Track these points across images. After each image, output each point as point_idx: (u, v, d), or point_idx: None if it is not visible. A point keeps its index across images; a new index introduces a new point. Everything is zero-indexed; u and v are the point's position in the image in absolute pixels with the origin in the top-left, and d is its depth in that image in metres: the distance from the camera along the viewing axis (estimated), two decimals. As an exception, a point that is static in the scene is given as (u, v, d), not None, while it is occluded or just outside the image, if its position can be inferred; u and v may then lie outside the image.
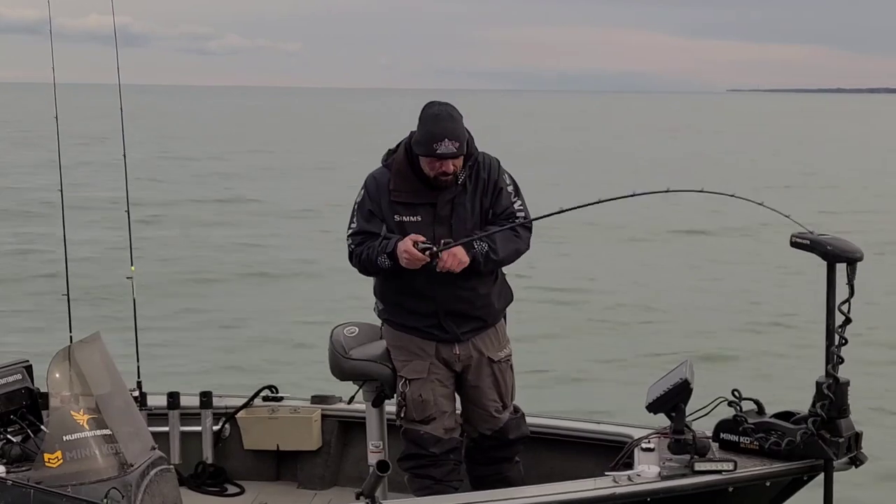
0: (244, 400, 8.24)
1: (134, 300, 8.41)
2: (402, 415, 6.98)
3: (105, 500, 5.94)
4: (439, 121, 6.71)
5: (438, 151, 6.66)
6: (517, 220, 6.93)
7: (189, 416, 8.15)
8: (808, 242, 6.44)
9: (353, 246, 6.93)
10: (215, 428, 8.17)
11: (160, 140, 63.37)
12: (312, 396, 8.28)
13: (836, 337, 6.38)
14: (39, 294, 18.79)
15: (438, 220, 6.84)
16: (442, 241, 6.69)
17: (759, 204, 6.64)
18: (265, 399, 8.27)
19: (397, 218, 6.85)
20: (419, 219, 6.84)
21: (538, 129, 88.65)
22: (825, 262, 6.42)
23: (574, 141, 68.83)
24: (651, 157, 53.08)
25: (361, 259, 6.87)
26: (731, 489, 6.33)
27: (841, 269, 6.37)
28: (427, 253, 6.64)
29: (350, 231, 6.97)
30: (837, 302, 6.39)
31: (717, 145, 68.59)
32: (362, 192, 6.95)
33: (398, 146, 6.95)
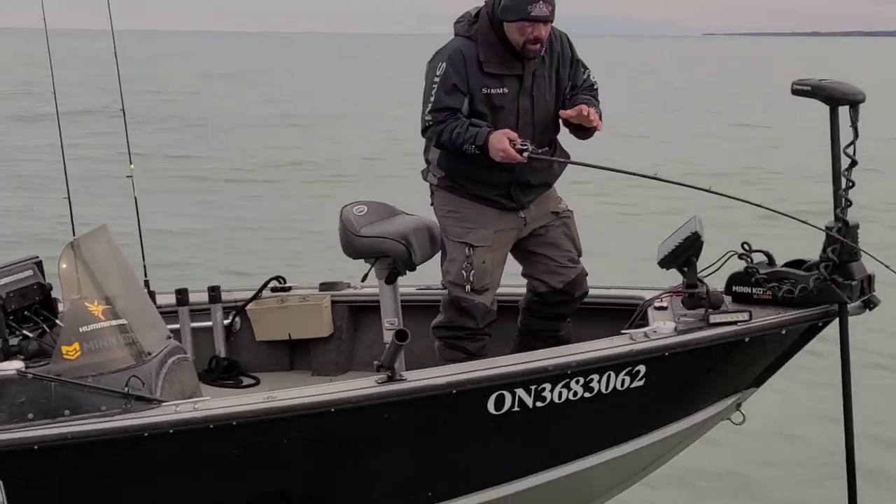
0: (253, 292, 8.25)
1: (136, 198, 8.39)
2: (469, 280, 6.91)
3: (126, 389, 6.03)
4: None
5: (533, 13, 6.60)
6: (595, 90, 7.05)
7: (199, 312, 8.16)
8: (809, 88, 6.41)
9: (430, 123, 6.80)
10: (226, 322, 8.19)
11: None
12: (321, 284, 8.29)
13: (843, 180, 6.36)
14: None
15: (523, 91, 6.81)
16: (531, 146, 6.60)
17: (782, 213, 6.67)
18: (273, 290, 8.27)
19: (485, 91, 6.78)
20: (506, 91, 6.79)
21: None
22: (827, 107, 6.38)
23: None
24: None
25: (442, 139, 6.77)
26: (747, 339, 6.34)
27: (843, 112, 6.35)
28: (524, 154, 6.57)
29: (430, 107, 6.81)
30: (842, 145, 6.38)
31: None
32: (443, 65, 6.79)
33: (476, 15, 6.85)
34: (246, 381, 8.05)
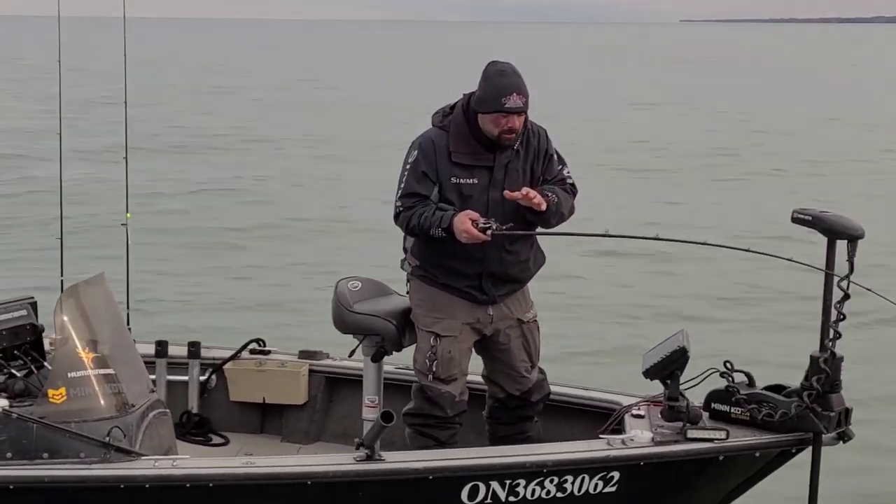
0: (232, 352, 8.29)
1: (127, 247, 8.45)
2: (432, 370, 6.99)
3: (107, 438, 6.08)
4: (506, 76, 6.76)
5: (507, 105, 6.69)
6: (568, 186, 7.08)
7: (176, 366, 8.20)
8: (810, 218, 6.53)
9: (401, 208, 6.91)
10: (202, 378, 8.22)
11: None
12: (300, 351, 8.33)
13: (835, 312, 6.44)
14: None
15: (494, 183, 6.87)
16: (494, 224, 6.68)
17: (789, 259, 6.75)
18: (252, 352, 8.32)
19: (454, 180, 6.86)
20: (476, 181, 6.86)
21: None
22: (825, 239, 6.48)
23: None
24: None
25: (410, 224, 6.86)
26: (721, 458, 6.43)
27: (841, 245, 6.44)
28: (487, 233, 6.65)
29: (399, 193, 6.92)
30: (837, 279, 6.46)
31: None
32: (415, 153, 6.92)
33: (452, 107, 6.96)
34: (216, 439, 8.08)
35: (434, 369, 6.97)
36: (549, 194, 6.85)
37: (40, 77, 50.43)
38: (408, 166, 6.92)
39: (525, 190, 6.74)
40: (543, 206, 6.78)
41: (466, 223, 6.64)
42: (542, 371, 7.34)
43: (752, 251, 6.72)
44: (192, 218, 21.84)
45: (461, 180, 6.85)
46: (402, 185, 6.91)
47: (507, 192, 6.77)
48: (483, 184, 6.87)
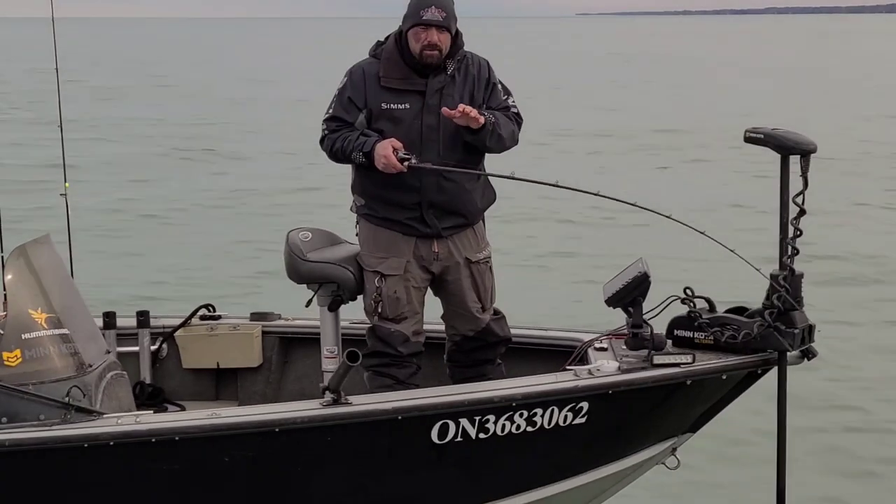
0: (182, 319, 8.26)
1: (68, 217, 8.39)
2: (378, 311, 7.05)
3: (67, 399, 6.07)
4: None
5: (425, 18, 6.82)
6: (512, 114, 7.17)
7: (126, 336, 8.14)
8: (762, 136, 6.57)
9: (326, 132, 7.04)
10: (153, 348, 8.18)
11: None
12: (252, 314, 8.33)
13: (791, 229, 6.51)
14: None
15: (427, 108, 6.94)
16: (414, 158, 6.80)
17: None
18: (203, 318, 8.29)
19: (384, 105, 6.95)
20: (407, 106, 6.95)
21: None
22: (779, 156, 6.54)
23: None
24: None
25: (334, 148, 6.99)
26: (689, 382, 6.47)
27: (795, 161, 6.50)
28: (405, 164, 6.73)
29: (326, 116, 7.07)
30: (791, 194, 6.52)
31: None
32: (345, 79, 7.06)
33: (387, 38, 7.09)
34: (171, 408, 8.02)
35: (380, 310, 7.04)
36: (487, 114, 6.93)
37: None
38: (336, 93, 7.06)
39: (461, 106, 6.80)
40: (481, 121, 6.83)
41: (388, 149, 6.76)
42: (497, 312, 7.36)
43: (674, 219, 6.83)
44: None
45: (392, 105, 6.96)
46: (329, 110, 7.06)
47: (444, 109, 6.84)
48: (416, 109, 6.96)
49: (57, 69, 8.52)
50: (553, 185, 6.92)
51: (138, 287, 15.51)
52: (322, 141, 7.08)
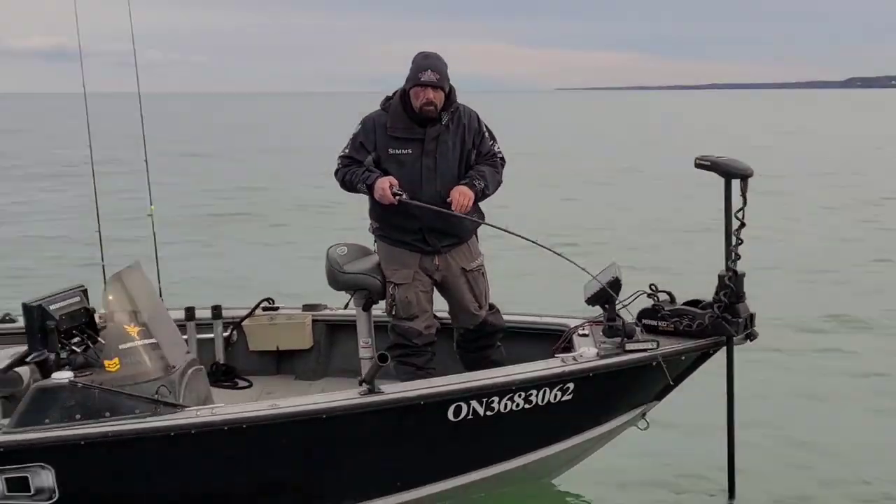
0: (248, 310, 9.41)
1: (154, 234, 9.42)
2: (393, 313, 8.23)
3: (156, 395, 7.08)
4: (426, 58, 8.04)
5: (422, 79, 7.92)
6: (497, 160, 8.29)
7: (203, 326, 9.32)
8: (709, 163, 7.59)
9: (340, 166, 8.25)
10: (225, 334, 9.36)
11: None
12: (304, 305, 9.48)
13: (734, 238, 7.55)
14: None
15: (425, 153, 8.06)
16: (404, 195, 7.93)
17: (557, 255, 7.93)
18: (265, 309, 9.47)
19: (391, 151, 8.09)
20: (409, 151, 8.09)
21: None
22: (723, 179, 7.55)
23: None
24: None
25: (344, 179, 8.18)
26: (654, 364, 7.50)
27: (736, 183, 7.52)
28: (397, 198, 7.92)
29: (341, 154, 8.26)
30: (734, 210, 7.54)
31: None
32: (359, 127, 8.21)
33: (395, 94, 8.18)
34: (241, 383, 9.18)
35: (395, 312, 8.24)
36: (477, 183, 8.06)
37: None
38: (351, 137, 8.22)
39: (456, 203, 7.96)
40: (473, 198, 8.01)
41: (385, 185, 7.95)
42: (493, 307, 8.54)
43: (539, 244, 7.90)
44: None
45: (397, 150, 8.09)
46: (345, 150, 8.22)
47: (452, 203, 8.00)
48: (416, 153, 8.09)
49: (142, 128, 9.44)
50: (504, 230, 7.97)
51: (214, 285, 16.80)
52: (336, 172, 8.24)
